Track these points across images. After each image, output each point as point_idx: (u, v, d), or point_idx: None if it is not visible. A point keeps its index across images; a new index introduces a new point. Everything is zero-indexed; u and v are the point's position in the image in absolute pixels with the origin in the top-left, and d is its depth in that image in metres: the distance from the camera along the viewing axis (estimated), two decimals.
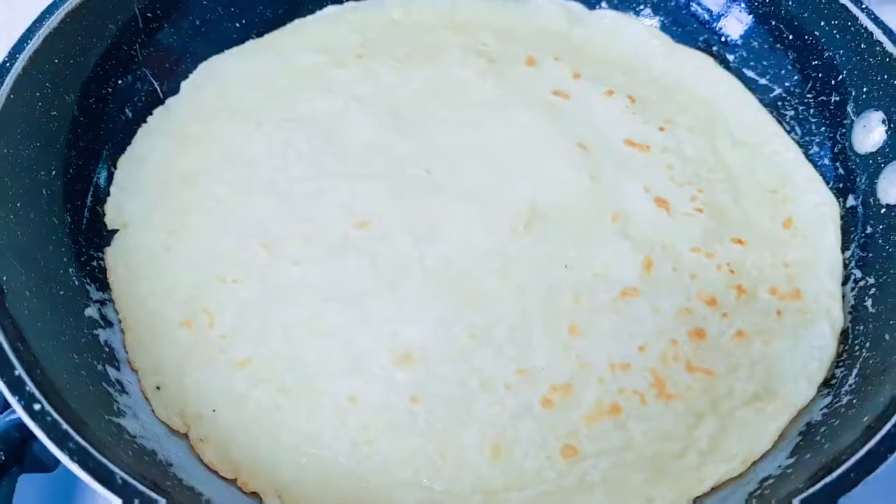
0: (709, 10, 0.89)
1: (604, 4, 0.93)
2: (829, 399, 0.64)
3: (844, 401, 0.62)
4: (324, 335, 0.67)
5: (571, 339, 0.67)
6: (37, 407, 0.50)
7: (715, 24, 0.89)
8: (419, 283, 0.69)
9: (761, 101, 0.85)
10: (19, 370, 0.51)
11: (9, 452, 0.59)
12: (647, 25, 0.92)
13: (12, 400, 0.50)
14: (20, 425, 0.57)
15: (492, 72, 0.85)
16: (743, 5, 0.86)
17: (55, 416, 0.50)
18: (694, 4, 0.90)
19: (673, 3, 0.90)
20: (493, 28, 0.91)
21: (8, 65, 0.67)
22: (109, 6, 0.76)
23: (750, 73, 0.86)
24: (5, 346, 0.53)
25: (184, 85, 0.83)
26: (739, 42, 0.87)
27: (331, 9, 0.92)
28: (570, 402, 0.64)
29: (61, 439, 0.49)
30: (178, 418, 0.63)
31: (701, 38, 0.89)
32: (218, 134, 0.79)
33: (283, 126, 0.80)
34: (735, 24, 0.87)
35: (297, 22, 0.90)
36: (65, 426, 0.49)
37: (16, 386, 0.51)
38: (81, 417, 0.54)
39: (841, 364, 0.67)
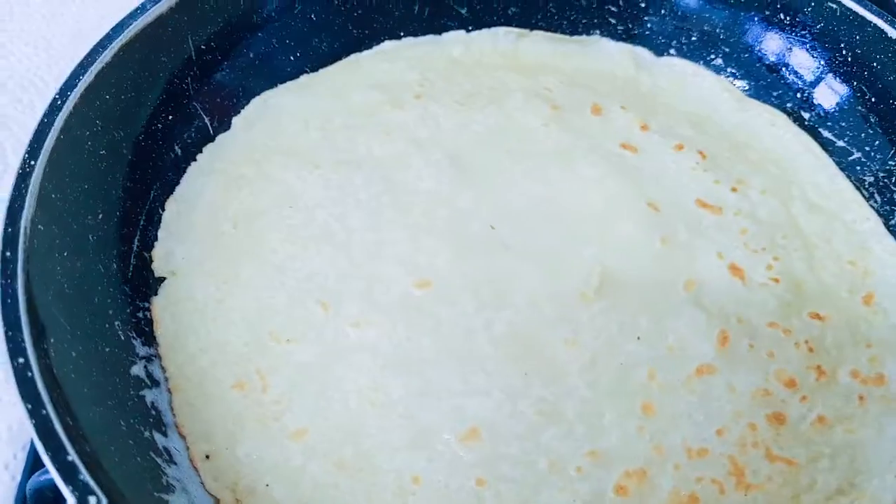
0: (788, 67, 0.85)
1: (672, 51, 0.89)
2: None
3: None
4: (384, 406, 0.62)
5: (645, 420, 0.64)
6: (92, 501, 0.46)
7: (791, 80, 0.85)
8: (485, 351, 0.65)
9: (838, 164, 0.81)
10: (72, 455, 0.47)
11: None
12: (717, 76, 0.88)
13: (66, 491, 0.46)
14: (54, 487, 0.53)
15: (556, 120, 0.81)
16: (822, 62, 0.82)
17: None
18: (783, 68, 0.85)
19: (746, 55, 0.87)
20: (556, 71, 0.87)
21: (59, 102, 0.62)
22: (164, 38, 0.72)
23: (827, 134, 0.82)
24: (56, 424, 0.48)
25: (236, 121, 0.79)
26: (818, 101, 0.83)
27: (388, 44, 0.87)
28: (645, 489, 0.61)
29: None
30: (230, 492, 0.59)
31: (775, 94, 0.85)
32: (272, 175, 0.75)
33: (341, 169, 0.76)
34: (821, 89, 0.83)
35: (352, 57, 0.86)
36: None
37: (69, 474, 0.46)
38: (131, 501, 0.50)
39: None
